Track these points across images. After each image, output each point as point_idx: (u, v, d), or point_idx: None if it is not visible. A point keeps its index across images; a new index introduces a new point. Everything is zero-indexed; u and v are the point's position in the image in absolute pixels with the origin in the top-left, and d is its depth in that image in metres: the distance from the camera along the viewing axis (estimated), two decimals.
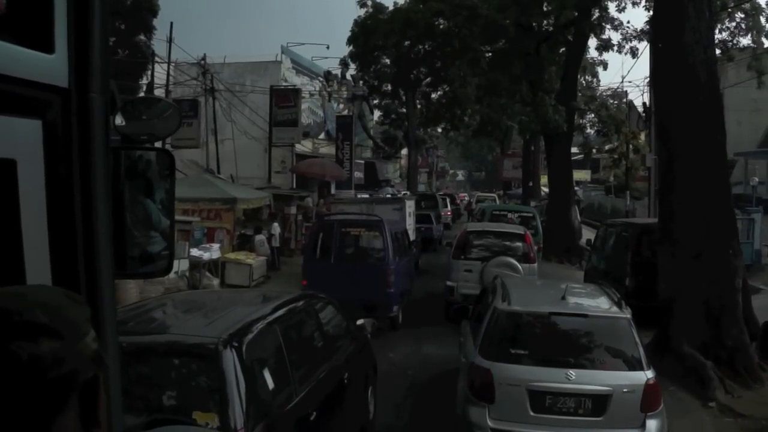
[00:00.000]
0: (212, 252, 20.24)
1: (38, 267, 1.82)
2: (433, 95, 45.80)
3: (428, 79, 45.16)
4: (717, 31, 19.35)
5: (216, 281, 19.80)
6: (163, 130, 3.15)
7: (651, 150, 29.60)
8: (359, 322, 9.86)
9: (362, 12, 41.08)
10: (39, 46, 1.82)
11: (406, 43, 39.84)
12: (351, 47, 41.40)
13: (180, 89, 36.17)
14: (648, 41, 29.84)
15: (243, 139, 36.01)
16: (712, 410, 10.57)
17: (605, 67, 53.95)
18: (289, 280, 20.82)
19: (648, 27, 29.50)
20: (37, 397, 1.46)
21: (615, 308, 8.54)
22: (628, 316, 8.28)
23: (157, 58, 33.41)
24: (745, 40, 28.25)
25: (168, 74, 33.10)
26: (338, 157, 43.60)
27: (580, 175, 59.12)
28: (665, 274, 12.92)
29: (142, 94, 31.53)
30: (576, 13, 31.45)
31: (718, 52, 14.05)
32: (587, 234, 30.96)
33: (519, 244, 17.60)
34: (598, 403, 7.64)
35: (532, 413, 7.69)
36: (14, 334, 1.44)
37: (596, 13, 32.19)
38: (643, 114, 33.28)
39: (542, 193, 51.17)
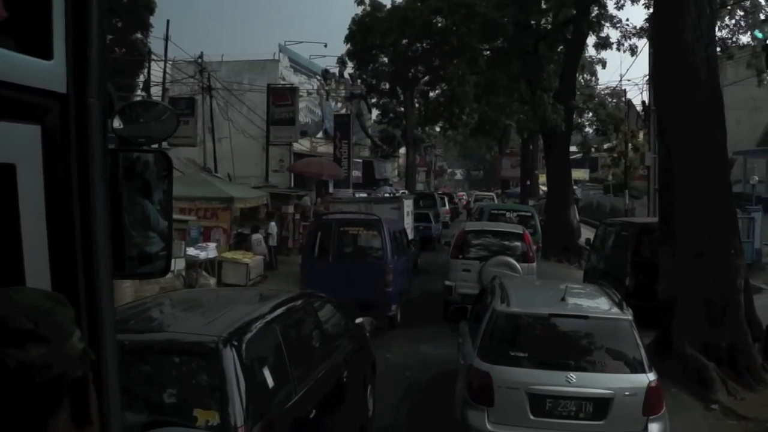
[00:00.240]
0: (209, 251, 20.14)
1: (37, 269, 1.84)
2: (431, 94, 45.73)
3: (426, 78, 45.10)
4: (717, 28, 19.19)
5: (212, 281, 19.69)
6: (160, 132, 3.24)
7: (650, 149, 29.53)
8: (358, 320, 9.89)
9: (360, 10, 41.08)
10: (37, 52, 1.85)
11: (404, 41, 39.77)
12: (348, 45, 41.35)
13: (177, 87, 36.12)
14: (647, 39, 29.79)
15: (241, 138, 35.92)
16: (715, 412, 10.43)
17: (604, 66, 53.86)
18: (286, 280, 20.76)
19: (647, 24, 29.48)
20: (27, 401, 1.48)
21: (616, 309, 8.42)
22: (630, 317, 8.15)
23: (153, 56, 33.29)
24: (745, 38, 28.16)
25: (165, 72, 33.01)
26: (336, 156, 43.56)
27: (579, 174, 59.12)
28: (666, 274, 12.80)
29: (139, 93, 31.51)
30: (574, 11, 31.39)
31: (717, 50, 13.90)
32: (586, 233, 30.96)
33: (518, 243, 17.50)
34: (600, 406, 7.52)
35: (532, 417, 7.57)
36: (1, 342, 1.45)
37: (595, 11, 32.13)
38: (642, 113, 33.20)
39: (540, 192, 51.14)
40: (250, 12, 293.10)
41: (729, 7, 24.12)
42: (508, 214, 27.47)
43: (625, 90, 61.45)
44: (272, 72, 41.74)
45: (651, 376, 7.63)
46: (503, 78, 33.14)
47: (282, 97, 37.54)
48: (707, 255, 12.15)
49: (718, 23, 24.42)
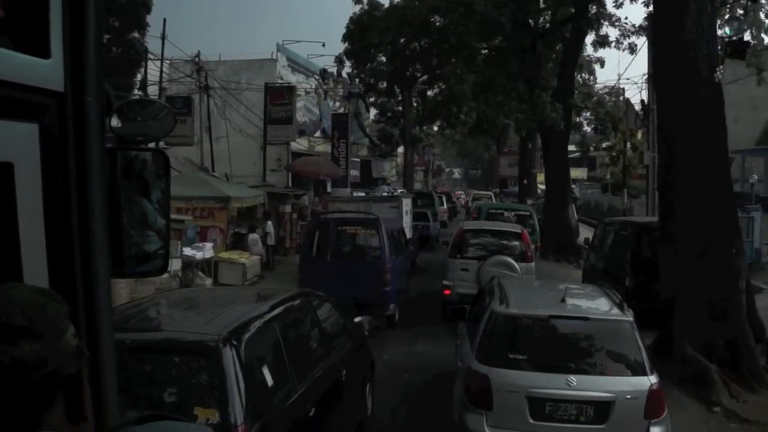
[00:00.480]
0: (205, 251, 20.07)
1: (35, 268, 1.85)
2: (429, 93, 45.69)
3: (424, 77, 45.03)
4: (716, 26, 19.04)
5: (209, 281, 19.61)
6: (158, 131, 3.29)
7: (649, 148, 29.45)
8: (357, 319, 9.89)
9: (357, 9, 40.98)
10: (35, 51, 1.86)
11: (402, 40, 39.71)
12: (346, 44, 41.28)
13: (175, 87, 36.01)
14: (646, 37, 29.68)
15: (238, 137, 35.82)
16: (717, 415, 10.29)
17: (602, 65, 53.79)
18: (284, 280, 20.73)
19: (646, 23, 29.37)
20: (22, 397, 1.51)
21: (617, 310, 8.30)
22: (631, 318, 8.04)
23: (150, 56, 33.21)
24: (744, 37, 27.99)
25: (161, 71, 32.91)
26: (334, 156, 43.46)
27: (577, 173, 59.04)
28: (667, 274, 12.68)
29: (135, 92, 31.43)
30: (573, 10, 31.28)
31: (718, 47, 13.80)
32: (584, 232, 30.91)
33: (516, 243, 17.43)
34: (601, 410, 7.41)
35: (531, 421, 7.46)
36: None
37: (593, 9, 32.03)
38: (641, 111, 33.12)
39: (538, 191, 51.09)
40: (247, 11, 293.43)
41: (728, 6, 23.94)
42: (506, 214, 27.37)
43: (623, 89, 61.40)
44: (270, 71, 41.68)
45: (652, 379, 7.52)
46: (501, 77, 33.10)
47: (279, 96, 37.44)
48: (708, 255, 12.03)
49: (717, 21, 24.29)
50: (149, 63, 33.39)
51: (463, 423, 7.80)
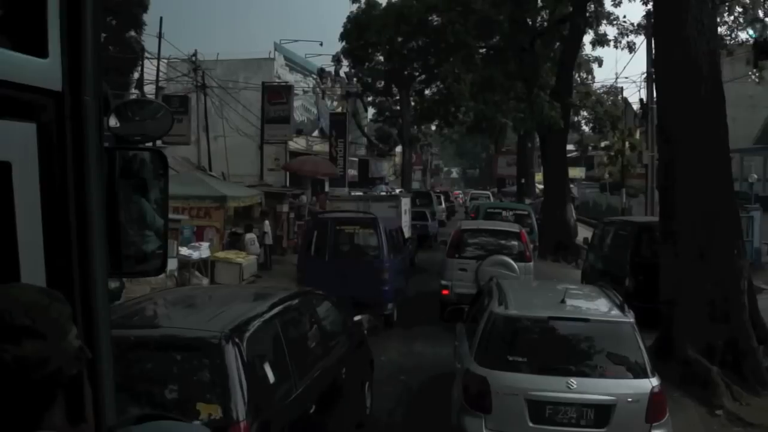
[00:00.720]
0: (201, 251, 19.96)
1: (33, 267, 1.86)
2: (427, 91, 45.61)
3: (422, 76, 44.97)
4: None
5: (205, 281, 19.49)
6: (156, 130, 3.29)
7: (648, 147, 29.37)
8: (357, 318, 9.92)
9: (355, 8, 40.88)
10: (33, 50, 1.87)
11: (399, 39, 39.62)
12: (344, 43, 41.19)
13: (173, 86, 35.96)
14: (645, 36, 29.62)
15: (236, 137, 35.76)
16: (720, 418, 10.14)
17: (600, 64, 53.83)
18: (281, 280, 20.57)
19: (645, 21, 29.29)
20: (23, 396, 1.53)
21: (617, 312, 8.18)
22: (632, 320, 7.93)
23: (147, 55, 33.12)
24: (744, 35, 27.96)
25: (158, 70, 32.83)
26: (332, 155, 43.35)
27: (575, 172, 58.97)
28: (667, 275, 12.53)
29: (132, 91, 31.35)
30: (571, 8, 31.21)
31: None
32: (582, 232, 30.82)
33: (515, 242, 17.39)
34: (601, 413, 7.29)
35: (531, 424, 7.34)
36: None
37: (592, 8, 31.96)
38: (640, 110, 33.04)
39: (536, 190, 51.03)
40: (245, 11, 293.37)
41: (728, 3, 23.88)
42: (504, 213, 27.34)
43: (622, 88, 61.47)
44: (268, 71, 41.65)
45: (654, 381, 7.42)
46: (499, 76, 32.99)
47: (277, 96, 37.32)
48: (710, 255, 11.90)
49: (717, 20, 24.22)
50: (146, 62, 33.31)
51: (462, 426, 7.68)
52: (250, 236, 22.99)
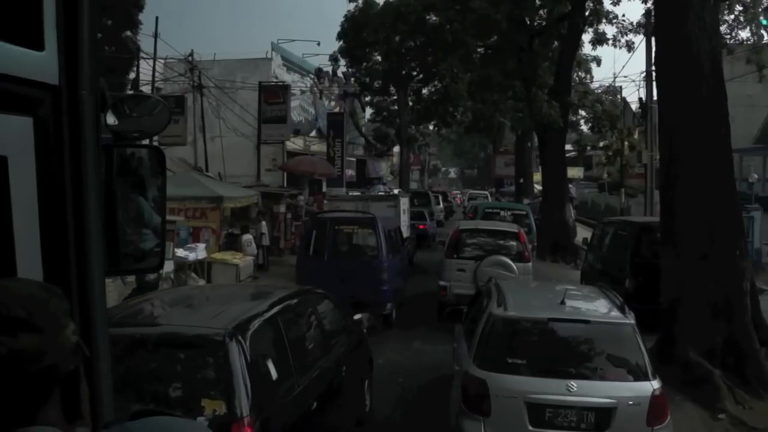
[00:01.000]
0: (198, 252, 19.82)
1: (29, 263, 1.85)
2: (424, 91, 45.58)
3: (420, 76, 44.92)
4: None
5: (202, 282, 19.35)
6: (153, 127, 3.26)
7: (647, 146, 29.29)
8: (357, 317, 10.07)
9: (352, 7, 40.78)
10: (29, 43, 1.85)
11: (397, 38, 39.51)
12: (341, 42, 41.10)
13: (169, 86, 35.88)
14: (644, 34, 29.54)
15: (233, 137, 35.69)
16: (723, 422, 9.99)
17: (598, 64, 53.88)
18: (278, 281, 20.43)
19: (644, 20, 29.22)
20: (19, 390, 1.52)
21: (618, 313, 8.10)
22: (632, 321, 7.84)
23: (143, 54, 33.05)
24: (744, 34, 27.90)
25: (154, 70, 32.75)
26: (330, 155, 43.33)
27: (573, 172, 59.00)
28: (669, 276, 12.40)
29: (129, 91, 31.28)
30: (569, 7, 31.13)
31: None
32: (581, 232, 30.76)
33: (513, 243, 17.36)
34: (602, 416, 7.21)
35: (530, 427, 7.26)
36: None
37: (590, 7, 31.90)
38: (639, 110, 32.97)
39: (535, 190, 51.04)
40: (243, 11, 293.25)
41: (728, 2, 23.79)
42: (502, 213, 27.34)
43: (621, 87, 61.48)
44: (265, 70, 41.60)
45: (655, 384, 7.33)
46: (498, 75, 32.93)
47: (274, 95, 37.27)
48: (711, 256, 11.77)
49: (720, 17, 24.15)
50: (142, 62, 33.25)
51: (461, 429, 7.62)
52: (247, 237, 22.88)
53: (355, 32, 39.50)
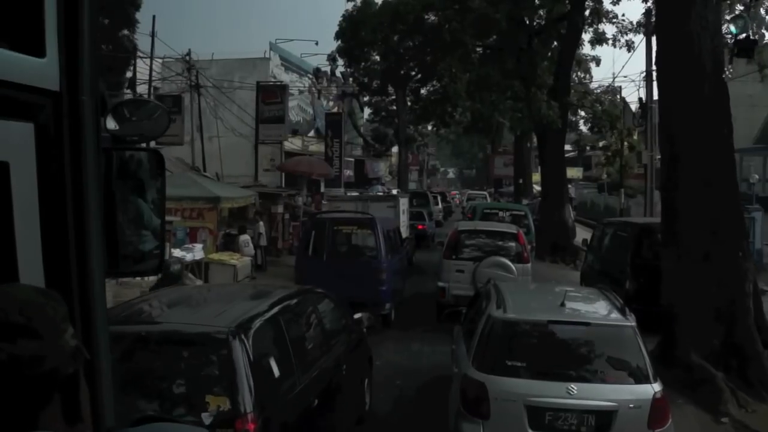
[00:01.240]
0: (195, 253, 19.78)
1: (31, 265, 1.87)
2: (423, 91, 45.54)
3: (418, 76, 44.87)
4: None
5: (199, 282, 19.25)
6: (152, 130, 3.28)
7: (647, 147, 29.21)
8: (356, 316, 10.13)
9: (350, 6, 40.71)
10: (30, 50, 1.87)
11: (395, 37, 39.43)
12: (339, 42, 41.02)
13: (167, 86, 35.81)
14: (644, 34, 29.45)
15: (231, 137, 35.63)
16: (726, 426, 9.89)
17: (598, 64, 53.90)
18: (276, 282, 20.35)
19: (644, 19, 29.12)
20: (19, 395, 1.52)
21: (618, 315, 8.02)
22: (633, 323, 7.75)
23: (140, 54, 32.97)
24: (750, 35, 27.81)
25: (151, 69, 32.67)
26: (328, 155, 43.29)
27: (572, 172, 58.98)
28: (670, 278, 12.29)
29: (125, 91, 31.22)
30: (569, 7, 31.05)
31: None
32: (580, 233, 30.67)
33: (512, 243, 17.29)
34: (603, 419, 7.13)
35: (530, 431, 7.16)
36: None
37: (590, 6, 31.83)
38: (639, 110, 32.89)
39: (534, 191, 51.00)
40: (241, 10, 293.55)
41: (730, 1, 23.68)
42: (500, 213, 27.33)
43: (620, 87, 61.49)
44: (263, 70, 41.56)
45: (656, 387, 7.25)
46: (497, 74, 32.86)
47: (271, 95, 37.20)
48: (714, 257, 11.67)
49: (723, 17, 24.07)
50: (139, 61, 33.17)
51: None
52: (244, 238, 22.81)
53: (353, 32, 39.44)
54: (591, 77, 42.06)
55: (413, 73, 45.12)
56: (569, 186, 40.11)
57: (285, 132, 38.28)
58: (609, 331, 7.98)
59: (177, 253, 18.80)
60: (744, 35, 14.99)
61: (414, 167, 79.86)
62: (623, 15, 62.81)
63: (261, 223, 25.25)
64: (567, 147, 41.24)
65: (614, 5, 32.31)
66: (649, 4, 26.36)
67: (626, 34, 32.65)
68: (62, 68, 1.96)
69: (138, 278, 14.40)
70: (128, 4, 32.46)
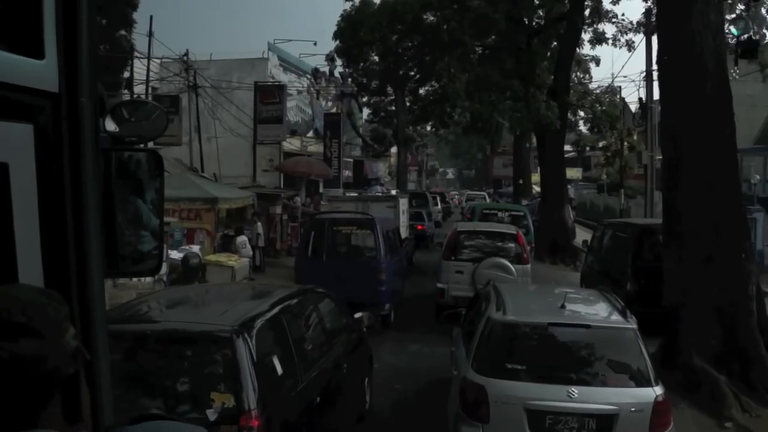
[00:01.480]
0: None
1: (30, 266, 1.88)
2: (421, 91, 45.49)
3: (417, 76, 44.80)
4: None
5: (196, 283, 19.15)
6: (151, 131, 3.31)
7: (647, 147, 29.12)
8: (357, 315, 10.31)
9: (348, 6, 40.61)
10: (29, 52, 1.88)
11: (394, 37, 39.31)
12: (337, 42, 40.93)
13: (165, 86, 35.77)
14: (644, 34, 29.37)
15: (230, 137, 35.57)
16: (729, 431, 9.81)
17: (597, 63, 53.85)
18: (274, 283, 20.28)
19: (644, 19, 29.05)
20: (20, 394, 1.54)
21: (619, 317, 7.97)
22: (634, 326, 7.71)
23: (137, 54, 32.91)
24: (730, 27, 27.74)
25: (148, 70, 32.60)
26: (326, 156, 43.25)
27: (572, 173, 58.92)
28: (672, 280, 12.18)
29: (123, 91, 31.16)
30: (568, 6, 31.04)
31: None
32: (580, 233, 30.59)
33: (512, 244, 17.28)
34: (604, 423, 7.08)
35: None
36: None
37: (590, 6, 31.78)
38: (639, 110, 32.82)
39: (533, 191, 50.95)
40: (239, 11, 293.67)
41: (730, 1, 23.59)
42: (499, 214, 27.34)
43: (620, 87, 61.48)
44: (261, 71, 41.44)
45: (658, 390, 7.20)
46: (496, 75, 32.78)
47: (269, 95, 37.11)
48: (716, 259, 11.57)
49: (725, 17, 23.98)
50: (137, 61, 33.13)
51: None
52: (241, 239, 22.69)
53: (351, 31, 39.33)
54: (591, 77, 42.02)
55: (412, 73, 45.03)
56: (569, 186, 40.07)
57: (283, 132, 38.21)
58: (610, 333, 7.93)
59: (174, 254, 18.69)
60: (746, 36, 14.92)
61: (413, 168, 80.00)
62: (623, 14, 62.94)
63: (259, 224, 25.18)
64: (566, 147, 41.12)
65: (614, 5, 32.38)
66: (649, 3, 26.33)
67: (626, 34, 32.66)
68: (61, 70, 1.97)
69: (134, 280, 14.40)
70: (125, 4, 32.39)
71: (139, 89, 31.98)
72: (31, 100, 1.91)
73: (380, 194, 35.46)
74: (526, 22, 33.17)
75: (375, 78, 45.53)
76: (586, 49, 36.68)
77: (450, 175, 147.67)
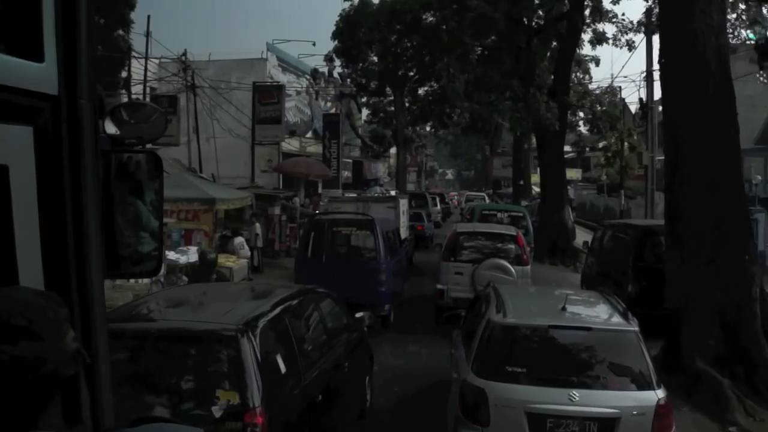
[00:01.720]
0: (189, 255, 19.51)
1: (30, 268, 1.90)
2: (420, 91, 45.45)
3: (416, 76, 44.74)
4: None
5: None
6: (150, 133, 3.29)
7: (648, 147, 29.04)
8: (358, 315, 10.46)
9: (347, 5, 40.51)
10: (29, 55, 1.90)
11: (393, 37, 39.25)
12: (336, 42, 40.87)
13: (164, 86, 35.69)
14: (645, 33, 29.30)
15: (228, 138, 35.48)
16: None
17: (597, 64, 53.90)
18: (273, 283, 20.22)
19: (645, 18, 28.97)
20: (20, 396, 1.56)
21: (621, 320, 7.93)
22: (636, 328, 7.66)
23: (135, 54, 32.84)
24: (746, 32, 27.68)
25: (146, 70, 32.53)
26: (325, 156, 43.17)
27: (572, 173, 58.85)
28: (674, 281, 12.07)
29: (121, 91, 31.10)
30: (568, 6, 30.98)
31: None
32: (580, 234, 30.52)
33: (511, 245, 17.20)
34: (605, 427, 7.03)
35: None
36: None
37: (590, 5, 31.72)
38: (639, 110, 32.74)
39: (533, 192, 50.91)
40: (238, 11, 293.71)
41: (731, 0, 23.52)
42: (499, 215, 27.32)
43: (620, 88, 61.36)
44: (260, 71, 41.34)
45: (660, 393, 7.14)
46: (495, 74, 32.72)
47: (268, 96, 36.99)
48: (719, 261, 11.46)
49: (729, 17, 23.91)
50: (134, 62, 33.08)
51: None
52: (239, 240, 22.56)
53: (350, 31, 39.31)
54: (590, 78, 41.93)
55: (411, 73, 44.96)
56: (568, 187, 40.01)
57: (282, 133, 38.10)
58: (611, 336, 7.89)
59: (171, 255, 18.59)
60: (765, 40, 14.85)
61: (412, 168, 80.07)
62: (623, 14, 62.81)
63: (257, 224, 25.10)
64: (566, 148, 41.07)
65: (614, 4, 32.25)
66: (650, 2, 26.23)
67: (626, 34, 32.55)
68: (61, 72, 1.99)
69: (131, 282, 14.33)
70: (123, 4, 32.35)
71: (136, 89, 31.88)
72: (31, 103, 1.92)
73: (379, 195, 35.40)
74: (526, 22, 33.06)
75: (374, 78, 45.44)
76: (586, 50, 36.60)
77: (449, 176, 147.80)
